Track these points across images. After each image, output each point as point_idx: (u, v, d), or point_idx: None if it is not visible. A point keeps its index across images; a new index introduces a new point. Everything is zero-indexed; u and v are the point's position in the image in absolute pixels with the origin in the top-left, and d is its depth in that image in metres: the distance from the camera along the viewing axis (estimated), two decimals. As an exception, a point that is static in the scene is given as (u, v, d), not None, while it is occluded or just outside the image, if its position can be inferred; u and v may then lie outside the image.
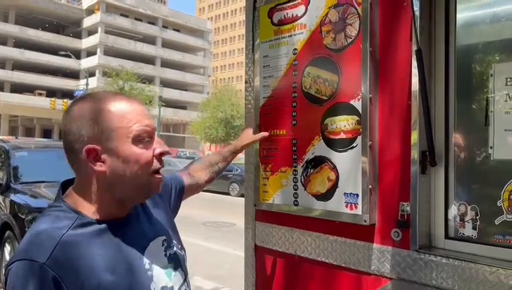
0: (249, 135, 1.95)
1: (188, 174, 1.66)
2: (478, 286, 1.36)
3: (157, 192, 1.16)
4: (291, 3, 1.87)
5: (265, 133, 1.93)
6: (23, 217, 5.29)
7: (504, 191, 1.40)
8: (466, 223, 1.49)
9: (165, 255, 1.19)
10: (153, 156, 1.09)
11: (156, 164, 1.10)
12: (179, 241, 1.29)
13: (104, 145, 1.05)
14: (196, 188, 1.68)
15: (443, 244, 1.53)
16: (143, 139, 1.07)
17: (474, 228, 1.48)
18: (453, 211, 1.52)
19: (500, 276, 1.32)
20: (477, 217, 1.47)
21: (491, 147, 1.44)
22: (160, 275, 1.14)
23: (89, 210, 1.08)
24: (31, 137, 36.68)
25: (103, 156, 1.05)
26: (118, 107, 1.07)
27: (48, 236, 1.00)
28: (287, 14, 1.88)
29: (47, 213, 1.08)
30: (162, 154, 1.11)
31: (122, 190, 1.08)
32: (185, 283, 1.23)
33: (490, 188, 1.45)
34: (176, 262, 1.22)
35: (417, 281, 1.50)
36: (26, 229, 5.14)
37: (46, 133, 48.27)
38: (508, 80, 1.42)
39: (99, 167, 1.05)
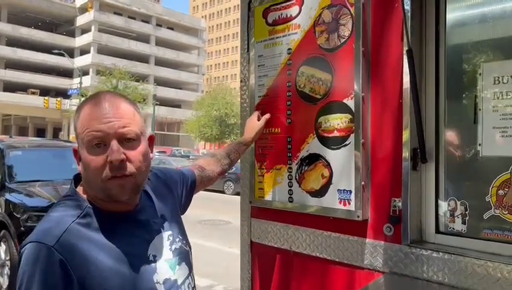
0: (254, 124, 1.94)
1: (200, 167, 1.68)
2: (467, 278, 1.41)
3: (119, 198, 1.11)
4: (285, 4, 1.90)
5: (267, 115, 1.94)
6: (19, 216, 5.29)
7: (492, 187, 1.44)
8: (456, 218, 1.54)
9: (170, 249, 1.23)
10: (105, 163, 1.07)
11: (106, 172, 1.07)
12: (184, 237, 1.33)
13: (79, 147, 1.14)
14: (208, 181, 1.71)
15: (434, 238, 1.58)
16: (95, 145, 1.08)
17: (463, 222, 1.52)
18: (443, 206, 1.57)
19: (488, 268, 1.37)
20: (467, 212, 1.52)
21: (479, 144, 1.49)
22: (164, 268, 1.18)
23: (97, 202, 1.13)
24: (24, 136, 36.48)
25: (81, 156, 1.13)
26: (84, 111, 1.12)
27: (58, 222, 1.06)
28: (281, 14, 1.91)
29: (61, 202, 1.14)
30: (110, 162, 1.06)
31: (89, 190, 1.14)
32: (189, 277, 1.27)
33: (479, 183, 1.49)
34: (181, 256, 1.25)
35: (408, 275, 1.54)
36: (22, 228, 5.15)
37: (40, 132, 48.02)
38: (496, 79, 1.46)
39: (79, 167, 1.15)
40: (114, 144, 1.07)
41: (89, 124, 1.08)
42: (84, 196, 1.14)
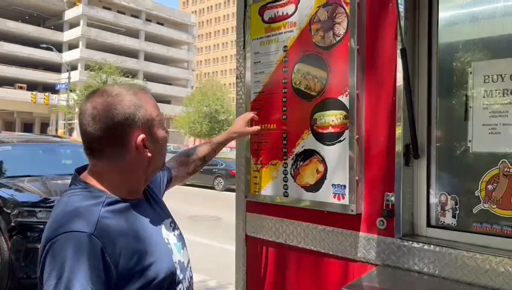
0: (241, 127, 1.98)
1: (175, 166, 1.75)
2: (457, 270, 1.46)
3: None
4: (281, 2, 1.93)
5: (257, 127, 1.99)
6: (9, 211, 5.24)
7: (481, 182, 1.50)
8: (446, 212, 1.59)
9: (174, 234, 1.31)
10: None
11: None
12: (178, 225, 1.40)
13: (148, 133, 1.18)
14: (181, 179, 1.78)
15: (425, 232, 1.63)
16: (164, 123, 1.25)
17: (454, 216, 1.58)
18: (435, 200, 1.62)
19: (477, 260, 1.42)
20: (457, 206, 1.57)
21: (469, 141, 1.54)
22: (175, 250, 1.25)
23: (112, 191, 1.17)
24: (11, 131, 36.02)
25: (147, 143, 1.17)
26: (148, 98, 1.21)
27: (87, 211, 1.08)
28: (278, 12, 1.94)
29: (74, 192, 1.15)
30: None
31: (153, 169, 1.25)
32: (190, 262, 1.34)
33: (469, 179, 1.55)
34: (182, 242, 1.33)
35: (401, 267, 1.59)
36: (12, 223, 5.11)
37: (27, 127, 47.42)
38: (486, 77, 1.51)
39: (147, 153, 1.18)
40: None
41: (158, 109, 1.23)
42: (99, 186, 1.16)
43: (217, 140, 1.96)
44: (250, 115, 1.99)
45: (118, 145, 1.15)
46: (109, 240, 1.06)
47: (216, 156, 1.95)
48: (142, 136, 1.16)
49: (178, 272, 1.21)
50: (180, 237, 1.34)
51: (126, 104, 1.15)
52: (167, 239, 1.24)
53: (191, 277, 1.32)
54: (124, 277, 1.06)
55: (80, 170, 1.23)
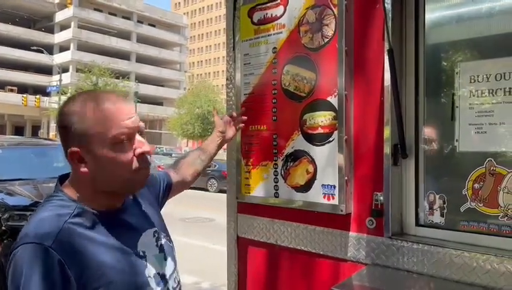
0: (221, 125, 1.87)
1: (175, 171, 1.68)
2: (445, 268, 1.48)
3: (141, 187, 1.21)
4: (270, 4, 1.94)
5: (242, 125, 1.94)
6: (0, 215, 5.21)
7: (468, 181, 1.52)
8: (434, 211, 1.61)
9: (156, 245, 1.26)
10: (133, 156, 1.11)
11: (135, 164, 1.11)
12: (167, 234, 1.36)
13: (86, 147, 1.09)
14: (182, 185, 1.70)
15: (414, 231, 1.64)
16: (121, 142, 1.09)
17: (442, 215, 1.59)
18: (423, 200, 1.64)
19: (465, 258, 1.44)
20: (445, 205, 1.59)
21: (456, 140, 1.56)
22: (153, 263, 1.21)
23: (85, 201, 1.14)
24: (2, 134, 35.68)
25: (86, 158, 1.10)
26: (98, 110, 1.09)
27: (51, 222, 1.06)
28: (267, 14, 1.95)
29: (48, 202, 1.13)
30: (142, 154, 1.12)
31: (106, 186, 1.13)
32: (175, 272, 1.31)
33: (456, 178, 1.56)
34: (166, 252, 1.29)
35: (390, 266, 1.61)
36: (3, 227, 5.07)
37: (18, 130, 47.02)
38: (472, 77, 1.53)
39: (82, 168, 1.10)
40: (139, 137, 1.14)
41: (114, 122, 1.08)
42: (72, 196, 1.14)
43: (205, 143, 1.87)
44: (227, 118, 1.90)
45: (65, 153, 1.12)
46: (71, 253, 1.03)
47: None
48: (73, 149, 1.09)
49: (153, 285, 1.17)
50: (165, 248, 1.29)
51: (70, 112, 1.10)
52: (143, 252, 1.19)
53: (176, 287, 1.28)
54: None
55: (65, 177, 1.21)
